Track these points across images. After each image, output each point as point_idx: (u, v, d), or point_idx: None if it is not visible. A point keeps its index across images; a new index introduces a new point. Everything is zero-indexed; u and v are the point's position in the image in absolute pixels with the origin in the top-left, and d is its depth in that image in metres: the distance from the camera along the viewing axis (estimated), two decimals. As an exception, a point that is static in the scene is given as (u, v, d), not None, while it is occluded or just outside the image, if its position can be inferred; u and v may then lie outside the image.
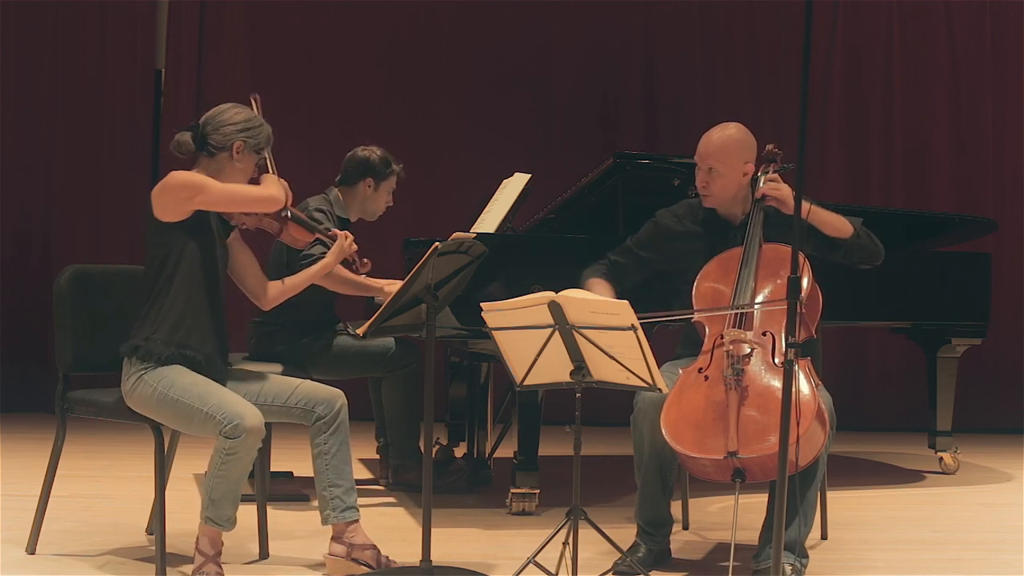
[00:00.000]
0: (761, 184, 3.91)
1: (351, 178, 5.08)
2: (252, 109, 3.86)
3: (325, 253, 4.83)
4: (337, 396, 3.79)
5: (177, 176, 3.67)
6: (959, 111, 7.80)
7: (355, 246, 4.29)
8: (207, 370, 3.68)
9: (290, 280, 4.08)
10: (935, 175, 7.76)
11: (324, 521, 3.76)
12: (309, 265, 4.81)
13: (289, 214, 3.96)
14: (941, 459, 5.88)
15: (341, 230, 4.81)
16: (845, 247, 3.90)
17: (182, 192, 3.64)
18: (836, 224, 3.88)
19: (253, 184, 3.82)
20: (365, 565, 3.73)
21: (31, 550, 3.91)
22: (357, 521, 3.76)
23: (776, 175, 3.91)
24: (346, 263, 4.51)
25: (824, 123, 7.70)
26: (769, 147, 4.00)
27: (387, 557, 3.78)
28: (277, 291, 4.02)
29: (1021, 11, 7.72)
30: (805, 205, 3.73)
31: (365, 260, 4.44)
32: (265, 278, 4.02)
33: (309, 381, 3.86)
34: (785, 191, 3.85)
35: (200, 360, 3.67)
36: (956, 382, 5.81)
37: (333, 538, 3.77)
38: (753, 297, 3.74)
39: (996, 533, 4.61)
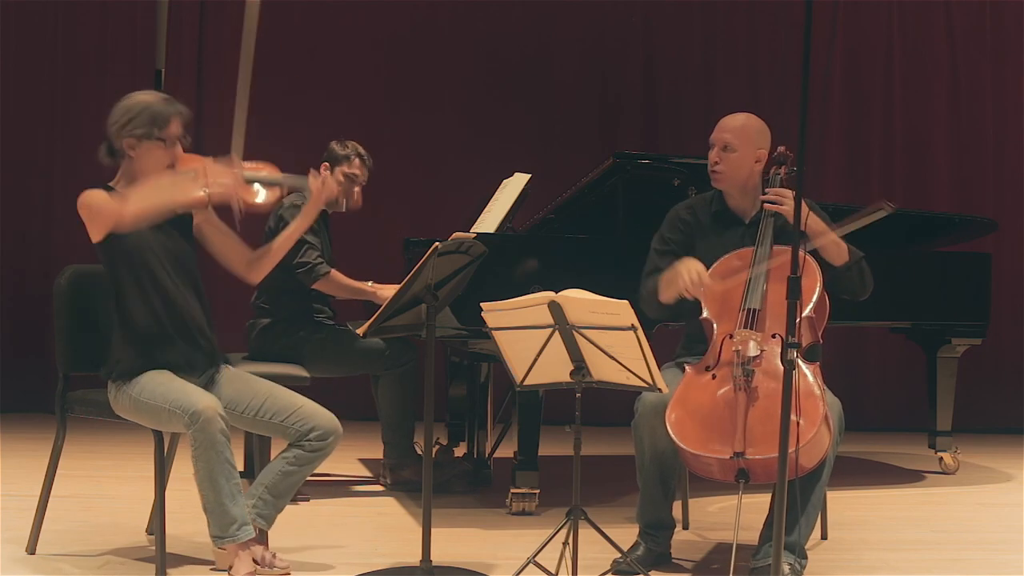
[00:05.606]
0: (768, 187, 3.89)
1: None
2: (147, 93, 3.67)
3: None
4: (334, 429, 3.69)
5: (80, 199, 3.60)
6: (959, 111, 7.79)
7: (330, 182, 4.35)
8: (188, 372, 3.64)
9: (269, 248, 3.85)
10: (935, 175, 7.75)
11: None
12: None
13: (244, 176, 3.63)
14: (941, 459, 5.88)
15: (323, 222, 4.96)
16: (832, 274, 3.82)
17: (82, 216, 3.61)
18: (832, 249, 3.80)
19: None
20: (254, 561, 3.66)
21: (31, 550, 3.90)
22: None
23: (782, 189, 3.83)
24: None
25: (824, 123, 7.70)
26: (781, 149, 3.96)
27: (274, 554, 3.70)
28: (262, 262, 3.83)
29: (1021, 11, 7.71)
30: (814, 223, 3.74)
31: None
32: (248, 252, 3.82)
33: (312, 403, 3.75)
34: (787, 207, 3.76)
35: (178, 363, 3.64)
36: (956, 382, 5.81)
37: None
38: (764, 299, 3.70)
39: (996, 533, 4.61)
